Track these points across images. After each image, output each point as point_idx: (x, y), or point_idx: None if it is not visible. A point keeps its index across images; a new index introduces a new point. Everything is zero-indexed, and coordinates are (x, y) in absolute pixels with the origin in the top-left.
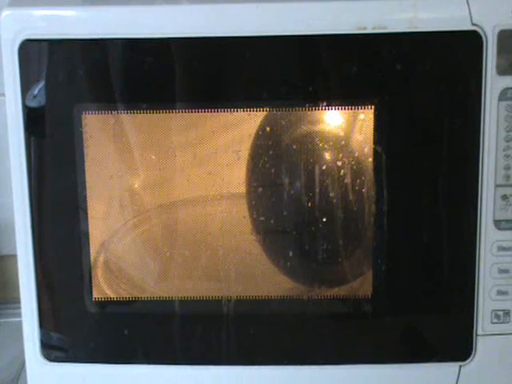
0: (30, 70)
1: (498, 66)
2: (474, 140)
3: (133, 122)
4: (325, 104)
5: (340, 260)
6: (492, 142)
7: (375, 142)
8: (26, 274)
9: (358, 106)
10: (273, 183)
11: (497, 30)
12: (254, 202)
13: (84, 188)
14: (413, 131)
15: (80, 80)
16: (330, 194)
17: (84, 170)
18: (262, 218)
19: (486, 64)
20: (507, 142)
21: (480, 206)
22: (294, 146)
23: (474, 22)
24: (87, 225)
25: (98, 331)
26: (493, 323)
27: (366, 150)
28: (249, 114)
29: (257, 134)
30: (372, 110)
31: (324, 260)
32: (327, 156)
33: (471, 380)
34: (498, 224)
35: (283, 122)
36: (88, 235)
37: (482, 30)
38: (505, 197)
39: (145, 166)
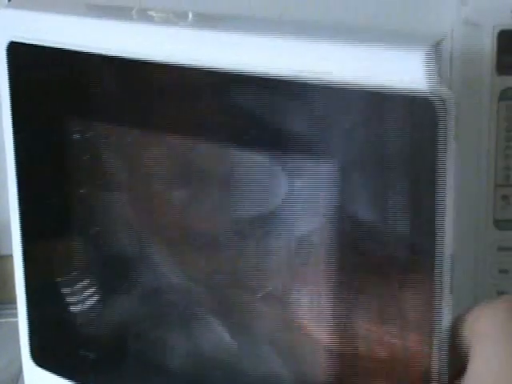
0: (17, 71)
1: (497, 66)
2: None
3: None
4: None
5: None
6: (492, 142)
7: None
8: (21, 275)
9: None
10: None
11: (497, 30)
12: None
13: None
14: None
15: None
16: None
17: None
18: None
19: (441, 131)
20: (507, 141)
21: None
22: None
23: (473, 21)
24: None
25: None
26: None
27: None
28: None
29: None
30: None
31: None
32: None
33: None
34: (498, 224)
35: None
36: None
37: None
38: (505, 197)
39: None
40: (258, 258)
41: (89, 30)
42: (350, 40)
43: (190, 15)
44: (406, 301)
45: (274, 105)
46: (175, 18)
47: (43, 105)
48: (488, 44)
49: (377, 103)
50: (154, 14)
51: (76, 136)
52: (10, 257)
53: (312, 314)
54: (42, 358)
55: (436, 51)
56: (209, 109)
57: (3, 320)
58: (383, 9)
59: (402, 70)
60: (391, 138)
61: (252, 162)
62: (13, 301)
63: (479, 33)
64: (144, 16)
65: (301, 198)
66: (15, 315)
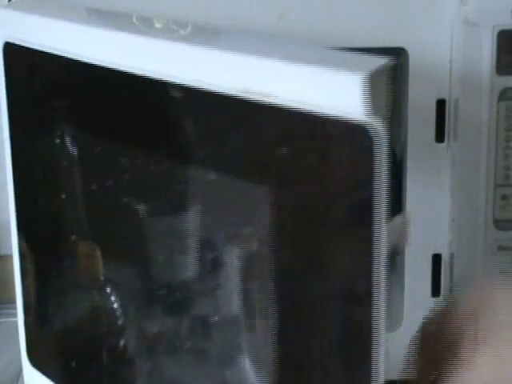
0: (12, 72)
1: (497, 66)
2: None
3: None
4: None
5: None
6: (492, 142)
7: None
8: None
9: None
10: None
11: (496, 30)
12: None
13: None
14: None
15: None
16: None
17: None
18: None
19: (372, 162)
20: (507, 141)
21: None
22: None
23: (473, 21)
24: None
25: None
26: None
27: None
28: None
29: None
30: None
31: None
32: None
33: None
34: (497, 224)
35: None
36: None
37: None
38: (505, 197)
39: None
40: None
41: (72, 37)
42: (289, 57)
43: (159, 24)
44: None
45: (208, 120)
46: (146, 25)
47: (34, 106)
48: (488, 44)
49: (310, 126)
50: (136, 22)
51: (67, 139)
52: (9, 257)
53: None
54: (36, 359)
55: (376, 77)
56: (147, 120)
57: (3, 320)
58: (383, 9)
59: (337, 94)
60: (323, 163)
61: (185, 177)
62: (13, 301)
63: (479, 33)
64: (126, 25)
65: (229, 219)
66: (15, 315)
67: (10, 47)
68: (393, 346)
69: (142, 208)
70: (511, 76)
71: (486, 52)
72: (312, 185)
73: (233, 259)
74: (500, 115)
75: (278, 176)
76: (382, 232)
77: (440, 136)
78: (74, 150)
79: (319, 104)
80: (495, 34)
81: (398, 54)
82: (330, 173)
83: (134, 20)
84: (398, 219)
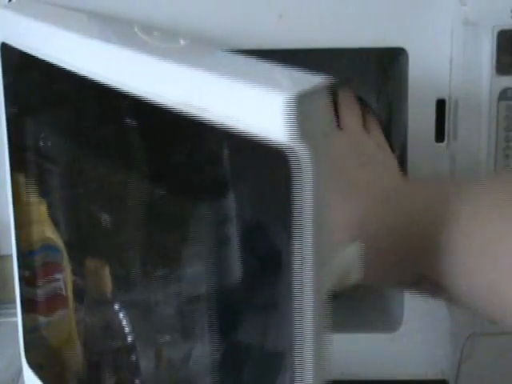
0: (8, 72)
1: (497, 66)
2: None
3: None
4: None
5: None
6: (492, 142)
7: None
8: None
9: None
10: None
11: (496, 30)
12: None
13: None
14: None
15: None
16: None
17: None
18: None
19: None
20: (507, 142)
21: None
22: None
23: (473, 21)
24: None
25: None
26: (490, 323)
27: None
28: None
29: None
30: None
31: None
32: None
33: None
34: None
35: None
36: None
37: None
38: None
39: None
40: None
41: (54, 42)
42: (226, 72)
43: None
44: None
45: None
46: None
47: (27, 107)
48: (488, 44)
49: (233, 145)
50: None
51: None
52: (9, 257)
53: None
54: (32, 360)
55: (305, 99)
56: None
57: (3, 320)
58: (383, 9)
59: (262, 114)
60: (242, 185)
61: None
62: (13, 301)
63: (479, 33)
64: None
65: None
66: (15, 315)
67: (6, 48)
68: (393, 346)
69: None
70: (511, 76)
71: (485, 52)
72: (231, 204)
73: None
74: (500, 115)
75: (202, 190)
76: (306, 265)
77: (440, 136)
78: (55, 152)
79: (249, 123)
80: (495, 34)
81: (398, 54)
82: (248, 195)
83: (109, 27)
84: (350, 249)
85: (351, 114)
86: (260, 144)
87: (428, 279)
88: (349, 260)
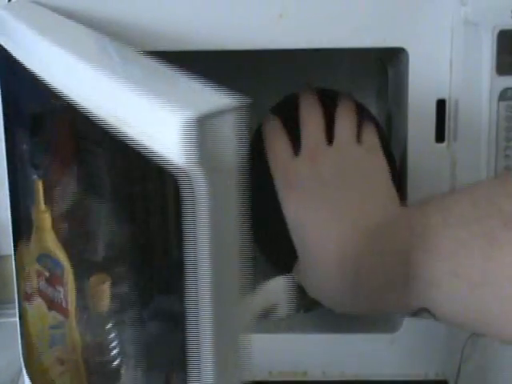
0: (2, 74)
1: (497, 66)
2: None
3: None
4: None
5: None
6: (492, 141)
7: None
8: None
9: None
10: None
11: (496, 30)
12: None
13: None
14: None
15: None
16: None
17: None
18: None
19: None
20: (507, 142)
21: None
22: None
23: (473, 21)
24: None
25: None
26: None
27: None
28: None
29: None
30: None
31: None
32: None
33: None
34: None
35: None
36: None
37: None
38: None
39: None
40: None
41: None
42: (142, 88)
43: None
44: None
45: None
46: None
47: (18, 107)
48: (488, 44)
49: (137, 162)
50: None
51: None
52: (9, 257)
53: None
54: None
55: (207, 120)
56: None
57: (3, 320)
58: (383, 9)
59: (164, 134)
60: (143, 203)
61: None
62: (13, 301)
63: (479, 33)
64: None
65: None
66: (15, 315)
67: (2, 48)
68: (393, 347)
69: None
70: (511, 76)
71: (485, 52)
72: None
73: None
74: (500, 115)
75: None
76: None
77: (440, 136)
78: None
79: (159, 141)
80: (495, 34)
81: (398, 54)
82: (149, 214)
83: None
84: (278, 280)
85: (345, 125)
86: (158, 165)
87: (423, 310)
88: (274, 293)
